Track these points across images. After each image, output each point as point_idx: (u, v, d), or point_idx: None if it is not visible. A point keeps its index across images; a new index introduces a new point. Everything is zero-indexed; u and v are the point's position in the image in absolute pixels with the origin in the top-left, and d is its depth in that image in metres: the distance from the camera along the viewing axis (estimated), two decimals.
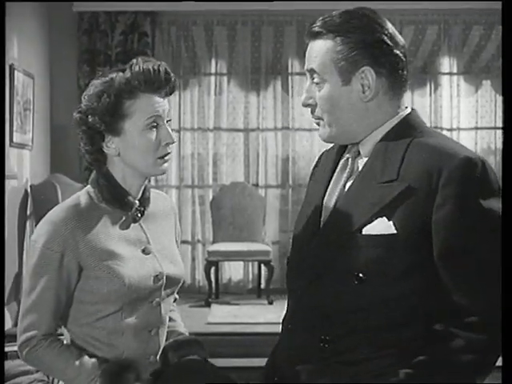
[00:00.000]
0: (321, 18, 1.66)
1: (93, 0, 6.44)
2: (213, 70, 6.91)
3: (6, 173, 5.15)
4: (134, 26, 6.57)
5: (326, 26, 1.64)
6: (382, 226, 1.56)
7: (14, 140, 5.62)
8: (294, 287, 1.70)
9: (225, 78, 6.92)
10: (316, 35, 1.65)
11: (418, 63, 6.89)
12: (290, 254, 1.78)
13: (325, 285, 1.61)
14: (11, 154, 5.60)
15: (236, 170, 7.00)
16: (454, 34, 6.82)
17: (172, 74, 1.82)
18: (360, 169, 1.66)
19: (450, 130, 6.89)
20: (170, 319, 1.96)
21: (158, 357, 1.88)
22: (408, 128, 1.66)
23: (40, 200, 5.68)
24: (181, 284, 1.94)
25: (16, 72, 5.67)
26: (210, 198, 6.86)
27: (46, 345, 1.78)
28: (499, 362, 1.62)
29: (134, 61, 1.80)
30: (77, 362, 1.77)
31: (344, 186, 1.67)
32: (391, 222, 1.56)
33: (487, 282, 1.53)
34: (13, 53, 5.67)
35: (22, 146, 5.85)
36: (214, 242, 6.69)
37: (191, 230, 6.93)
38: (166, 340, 1.93)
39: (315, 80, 1.65)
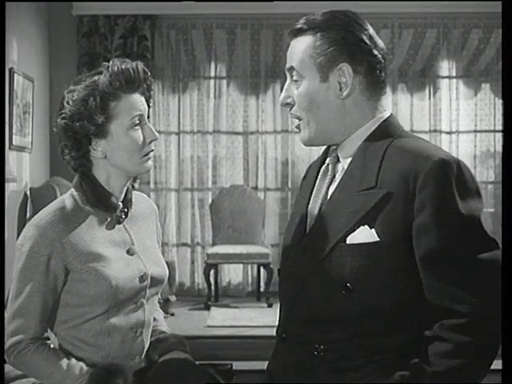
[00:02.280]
0: (304, 17, 1.68)
1: (92, 0, 6.45)
2: (212, 74, 6.92)
3: (6, 176, 5.15)
4: (134, 30, 6.57)
5: (307, 23, 1.66)
6: (365, 235, 1.56)
7: (14, 143, 5.62)
8: (285, 297, 1.70)
9: (224, 82, 6.93)
10: (297, 33, 1.67)
11: (417, 66, 6.90)
12: (280, 264, 1.78)
13: (313, 294, 1.61)
14: (11, 156, 5.60)
15: (235, 172, 7.00)
16: (453, 38, 6.83)
17: (149, 73, 1.86)
18: (339, 175, 1.67)
19: (449, 133, 6.89)
20: (153, 319, 1.98)
21: (142, 357, 1.89)
22: (386, 134, 1.65)
23: (39, 203, 5.68)
24: (164, 284, 1.96)
25: (16, 75, 5.67)
26: (210, 200, 6.86)
27: (34, 349, 1.78)
28: (499, 365, 1.63)
29: (111, 62, 1.82)
30: (64, 366, 1.77)
31: (326, 193, 1.67)
32: (373, 230, 1.56)
33: (470, 283, 1.52)
34: (12, 56, 5.68)
35: (21, 148, 5.85)
36: (213, 244, 6.69)
37: (190, 233, 6.93)
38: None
39: (294, 78, 1.67)
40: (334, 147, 1.70)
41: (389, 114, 1.69)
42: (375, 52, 1.65)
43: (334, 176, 1.69)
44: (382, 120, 1.68)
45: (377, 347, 1.58)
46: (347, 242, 1.57)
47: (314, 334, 1.62)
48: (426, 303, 1.57)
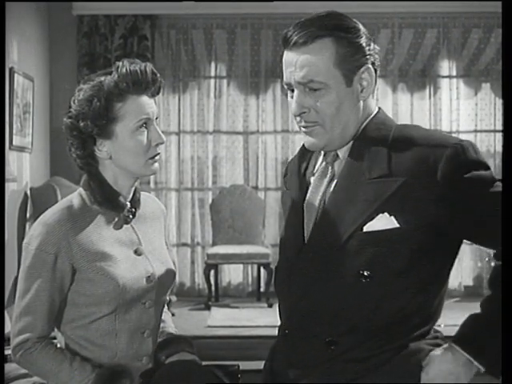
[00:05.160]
0: (303, 24, 1.61)
1: (92, 0, 6.45)
2: (212, 73, 6.92)
3: (6, 176, 5.16)
4: (134, 30, 6.57)
5: (324, 28, 1.60)
6: (384, 222, 1.58)
7: (14, 143, 5.62)
8: (288, 293, 1.69)
9: (224, 81, 6.93)
10: (309, 41, 1.60)
11: (417, 66, 6.90)
12: (278, 262, 1.78)
13: (326, 287, 1.61)
14: (11, 157, 5.60)
15: (236, 172, 7.00)
16: (453, 37, 6.83)
17: (158, 75, 1.84)
18: (340, 169, 1.67)
19: (450, 132, 6.89)
20: (161, 320, 1.97)
21: (150, 358, 1.89)
22: (382, 124, 1.67)
23: (40, 203, 5.68)
24: (172, 285, 1.95)
25: (16, 75, 5.67)
26: (210, 200, 6.86)
27: (41, 348, 1.78)
28: None
29: (120, 63, 1.81)
30: (70, 366, 1.77)
31: (326, 190, 1.67)
32: (393, 217, 1.57)
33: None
34: (13, 56, 5.68)
35: (21, 148, 5.85)
36: (213, 244, 6.69)
37: (191, 233, 6.93)
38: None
39: (314, 87, 1.61)
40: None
41: (378, 109, 1.71)
42: (377, 49, 1.67)
43: (334, 175, 1.68)
44: (374, 112, 1.70)
45: (390, 335, 1.59)
46: (364, 230, 1.59)
47: (322, 327, 1.62)
48: (440, 288, 1.63)
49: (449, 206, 1.56)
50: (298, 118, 1.65)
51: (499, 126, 6.82)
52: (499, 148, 6.81)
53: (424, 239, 1.58)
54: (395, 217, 1.57)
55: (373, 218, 1.58)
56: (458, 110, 6.90)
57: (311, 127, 1.64)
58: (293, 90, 1.64)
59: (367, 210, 1.58)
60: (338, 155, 1.68)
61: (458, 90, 6.90)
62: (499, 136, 6.83)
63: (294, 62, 1.61)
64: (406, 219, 1.57)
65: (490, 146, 6.94)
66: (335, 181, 1.66)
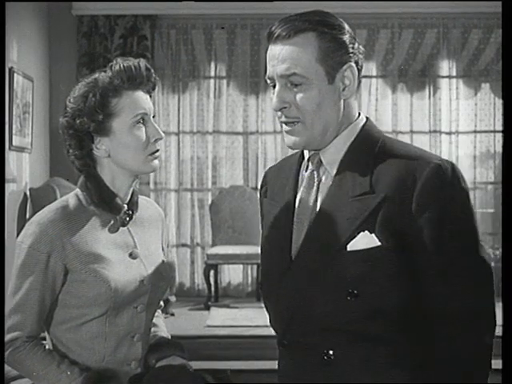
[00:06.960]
0: (288, 18, 1.63)
1: (92, 0, 6.45)
2: (212, 73, 6.92)
3: (6, 176, 5.15)
4: (134, 30, 6.58)
5: (307, 23, 1.60)
6: (366, 240, 1.55)
7: (14, 143, 5.62)
8: (278, 308, 1.67)
9: (224, 81, 6.93)
10: (292, 34, 1.60)
11: (417, 66, 6.90)
12: (262, 276, 1.74)
13: (316, 303, 1.60)
14: (10, 157, 5.60)
15: (235, 173, 7.00)
16: (453, 38, 6.83)
17: (152, 70, 1.84)
18: (326, 180, 1.64)
19: (449, 133, 6.89)
20: (153, 325, 1.96)
21: (139, 362, 1.87)
22: (369, 139, 1.64)
23: (39, 204, 5.67)
24: (166, 291, 1.94)
25: (15, 75, 5.67)
26: (209, 201, 6.86)
27: (29, 347, 1.77)
28: (499, 365, 1.63)
29: (114, 61, 1.81)
30: (58, 368, 1.76)
31: (315, 201, 1.64)
32: (373, 235, 1.55)
33: (474, 282, 1.55)
34: (12, 56, 5.68)
35: (21, 149, 5.85)
36: (213, 245, 6.69)
37: (190, 234, 6.93)
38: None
39: (295, 82, 1.59)
40: (314, 152, 1.67)
41: (366, 120, 1.68)
42: (361, 50, 1.65)
43: (320, 182, 1.66)
44: (362, 124, 1.67)
45: (384, 351, 1.58)
46: (348, 248, 1.56)
47: (319, 341, 1.61)
48: (426, 302, 1.58)
49: (424, 225, 1.54)
50: (279, 113, 1.62)
51: (499, 127, 6.81)
52: (499, 148, 6.80)
53: (405, 254, 1.55)
54: (376, 235, 1.55)
55: (354, 237, 1.56)
56: (457, 110, 6.89)
57: (292, 125, 1.62)
58: (275, 86, 1.62)
59: (349, 228, 1.56)
60: (321, 162, 1.65)
61: (458, 90, 6.90)
62: (499, 136, 6.83)
63: (277, 55, 1.60)
64: (385, 236, 1.54)
65: (489, 146, 6.93)
66: (322, 195, 1.63)
